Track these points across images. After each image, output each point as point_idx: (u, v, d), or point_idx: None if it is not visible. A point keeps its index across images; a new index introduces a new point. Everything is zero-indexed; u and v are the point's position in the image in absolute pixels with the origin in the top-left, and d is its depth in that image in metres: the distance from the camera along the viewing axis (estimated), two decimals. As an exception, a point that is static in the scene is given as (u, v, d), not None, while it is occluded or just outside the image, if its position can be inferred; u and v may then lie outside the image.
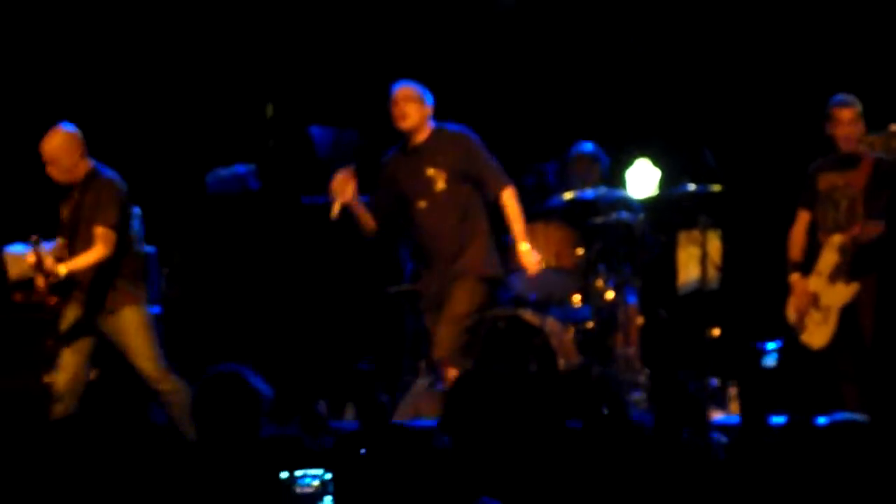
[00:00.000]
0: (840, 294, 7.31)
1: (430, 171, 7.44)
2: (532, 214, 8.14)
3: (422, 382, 7.84)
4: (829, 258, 7.36)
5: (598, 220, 8.14)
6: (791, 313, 7.42)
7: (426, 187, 7.45)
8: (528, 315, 7.86)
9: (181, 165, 8.71)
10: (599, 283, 8.06)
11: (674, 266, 8.41)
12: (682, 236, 8.34)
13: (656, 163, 8.40)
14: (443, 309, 7.46)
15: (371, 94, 8.16)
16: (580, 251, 8.02)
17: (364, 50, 9.18)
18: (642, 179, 8.40)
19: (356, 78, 9.03)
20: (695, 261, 8.11)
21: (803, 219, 7.55)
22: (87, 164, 7.02)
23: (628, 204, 8.23)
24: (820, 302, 7.36)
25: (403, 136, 7.48)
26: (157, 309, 7.70)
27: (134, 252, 7.09)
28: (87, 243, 6.86)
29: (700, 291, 8.07)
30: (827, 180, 7.47)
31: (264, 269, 8.40)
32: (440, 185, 7.44)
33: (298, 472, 4.14)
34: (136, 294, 7.01)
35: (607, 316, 8.08)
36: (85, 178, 6.97)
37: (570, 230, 8.05)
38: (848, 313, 7.29)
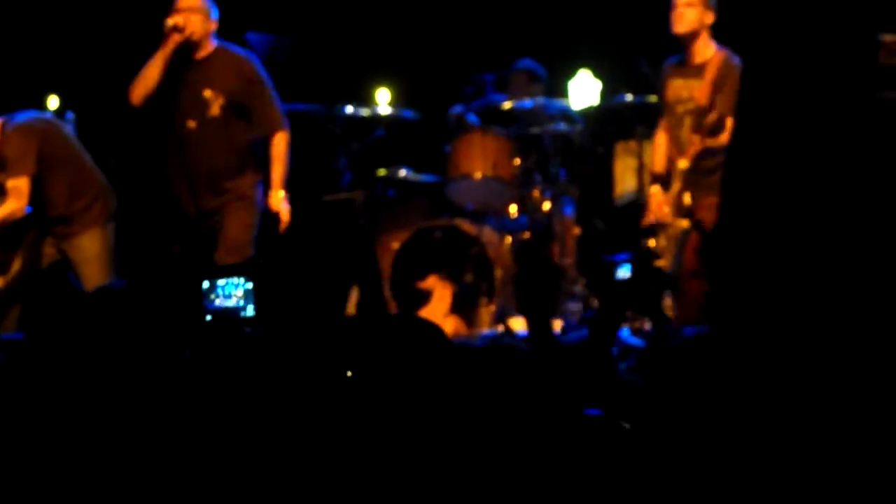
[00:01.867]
0: (680, 226, 6.91)
1: (207, 93, 6.88)
2: (470, 125, 8.15)
3: None
4: (674, 186, 6.95)
5: (535, 130, 8.13)
6: (645, 224, 7.08)
7: (199, 108, 6.90)
8: (466, 225, 7.88)
9: (116, 69, 8.60)
10: (536, 193, 8.06)
11: (611, 177, 8.41)
12: (620, 147, 8.32)
13: (597, 74, 8.37)
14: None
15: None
16: (517, 161, 8.02)
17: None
18: (584, 91, 8.37)
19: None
20: (632, 171, 8.13)
21: (663, 125, 7.12)
22: None
23: (567, 115, 8.22)
24: (668, 228, 6.98)
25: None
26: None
27: (80, 172, 6.94)
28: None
29: (636, 202, 8.09)
30: (672, 89, 7.03)
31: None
32: (215, 109, 6.90)
33: (220, 281, 4.03)
34: (90, 217, 6.89)
35: (544, 226, 8.10)
36: None
37: (507, 140, 8.04)
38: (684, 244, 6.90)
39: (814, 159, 7.14)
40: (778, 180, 6.76)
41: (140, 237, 7.99)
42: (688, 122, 6.92)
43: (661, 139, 7.13)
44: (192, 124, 6.88)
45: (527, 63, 8.57)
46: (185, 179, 6.95)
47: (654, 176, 7.09)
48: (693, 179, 6.83)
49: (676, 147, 6.98)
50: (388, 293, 7.91)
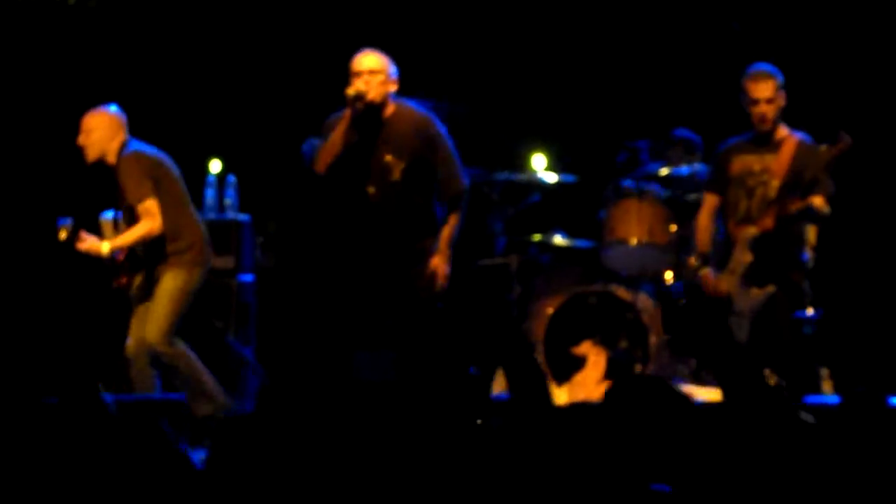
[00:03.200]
0: (754, 298, 6.76)
1: (388, 158, 6.89)
2: (626, 191, 8.13)
3: None
4: (740, 256, 6.80)
5: (692, 196, 8.08)
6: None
7: (380, 174, 6.90)
8: (621, 291, 7.85)
9: (278, 134, 8.76)
10: (692, 260, 8.00)
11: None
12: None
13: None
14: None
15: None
16: (673, 227, 7.97)
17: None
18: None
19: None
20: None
21: (711, 203, 7.04)
22: (119, 143, 7.04)
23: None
24: (734, 306, 6.82)
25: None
26: (250, 277, 7.77)
27: (183, 213, 7.06)
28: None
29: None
30: (741, 162, 6.90)
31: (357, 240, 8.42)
32: (395, 174, 6.89)
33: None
34: (182, 260, 7.00)
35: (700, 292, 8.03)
36: (117, 159, 6.99)
37: (663, 206, 8.01)
38: (761, 319, 6.75)
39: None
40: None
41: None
42: (759, 192, 6.80)
43: (705, 220, 7.06)
44: (372, 190, 6.88)
45: (684, 133, 8.53)
46: (369, 245, 6.98)
47: (704, 256, 6.99)
48: (766, 250, 6.72)
49: (742, 219, 6.85)
50: (541, 359, 7.89)
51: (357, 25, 8.58)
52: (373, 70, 6.75)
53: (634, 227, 7.94)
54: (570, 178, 8.43)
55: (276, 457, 3.74)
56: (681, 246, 7.99)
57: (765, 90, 6.79)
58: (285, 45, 8.97)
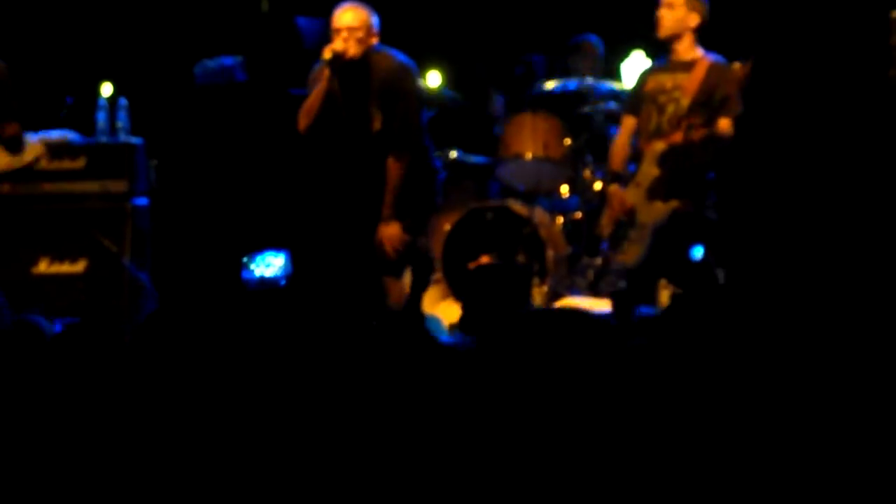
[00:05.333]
0: (657, 211, 6.78)
1: (370, 108, 6.89)
2: (519, 104, 8.16)
3: None
4: (647, 169, 6.82)
5: (586, 109, 8.12)
6: (605, 226, 6.96)
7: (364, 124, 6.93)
8: (517, 205, 7.88)
9: (169, 57, 8.67)
10: (587, 173, 8.05)
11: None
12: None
13: (651, 55, 8.33)
14: None
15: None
16: (568, 141, 8.01)
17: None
18: (637, 71, 8.34)
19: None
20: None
21: (628, 125, 7.03)
22: None
23: (618, 95, 8.19)
24: (636, 218, 6.82)
25: None
26: (144, 200, 7.71)
27: None
28: None
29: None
30: (655, 81, 6.93)
31: (250, 161, 8.39)
32: (376, 124, 6.91)
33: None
34: None
35: (596, 206, 8.08)
36: None
37: (558, 120, 8.03)
38: (662, 232, 6.78)
39: (825, 143, 7.12)
40: (790, 164, 6.74)
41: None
42: (670, 109, 6.83)
43: (623, 138, 7.05)
44: (353, 140, 6.90)
45: (588, 37, 8.53)
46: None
47: (614, 174, 7.01)
48: (672, 165, 6.76)
49: (652, 134, 6.87)
50: (440, 275, 7.93)
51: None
52: (351, 27, 6.73)
53: (529, 141, 7.97)
54: (460, 94, 8.41)
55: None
56: (576, 159, 8.04)
57: None
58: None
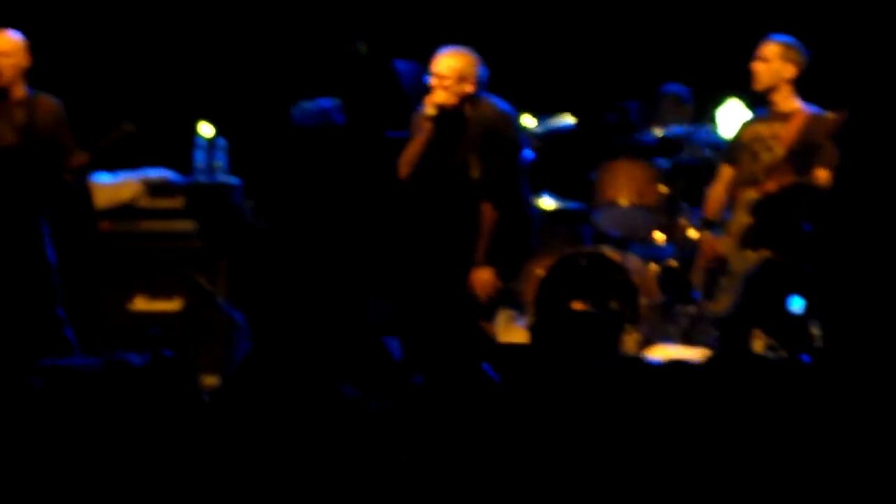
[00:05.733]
0: (748, 260, 6.76)
1: (468, 156, 6.96)
2: (616, 151, 8.14)
3: None
4: (740, 218, 6.82)
5: (683, 156, 8.09)
6: (696, 275, 7.01)
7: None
8: (610, 252, 7.86)
9: (268, 98, 8.76)
10: (682, 221, 8.01)
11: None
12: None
13: (747, 103, 8.30)
14: None
15: (455, 30, 8.18)
16: (663, 188, 7.98)
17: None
18: (732, 119, 8.31)
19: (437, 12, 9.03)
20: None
21: (724, 174, 7.04)
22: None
23: (714, 142, 8.16)
24: (728, 266, 6.82)
25: None
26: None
27: None
28: None
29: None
30: (752, 131, 6.97)
31: (348, 204, 8.44)
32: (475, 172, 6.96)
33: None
34: None
35: (690, 254, 8.04)
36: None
37: (653, 167, 8.01)
38: (754, 282, 6.74)
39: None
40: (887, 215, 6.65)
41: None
42: (765, 158, 6.85)
43: (719, 187, 7.07)
44: (451, 187, 6.98)
45: (673, 87, 8.54)
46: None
47: (708, 222, 7.04)
48: (765, 214, 6.74)
49: (746, 182, 6.88)
50: (533, 321, 7.91)
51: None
52: (442, 75, 6.80)
53: (624, 188, 7.95)
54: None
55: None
56: (671, 207, 8.00)
57: (765, 50, 6.90)
58: (276, 5, 8.96)
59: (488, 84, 6.95)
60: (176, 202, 7.74)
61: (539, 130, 8.18)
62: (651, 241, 8.09)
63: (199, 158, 7.84)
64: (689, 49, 9.04)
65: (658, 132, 8.21)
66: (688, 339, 7.69)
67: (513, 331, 7.69)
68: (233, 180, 7.84)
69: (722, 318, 6.85)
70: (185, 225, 7.71)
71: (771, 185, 6.74)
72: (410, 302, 7.06)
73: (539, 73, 8.99)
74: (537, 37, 9.03)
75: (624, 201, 7.96)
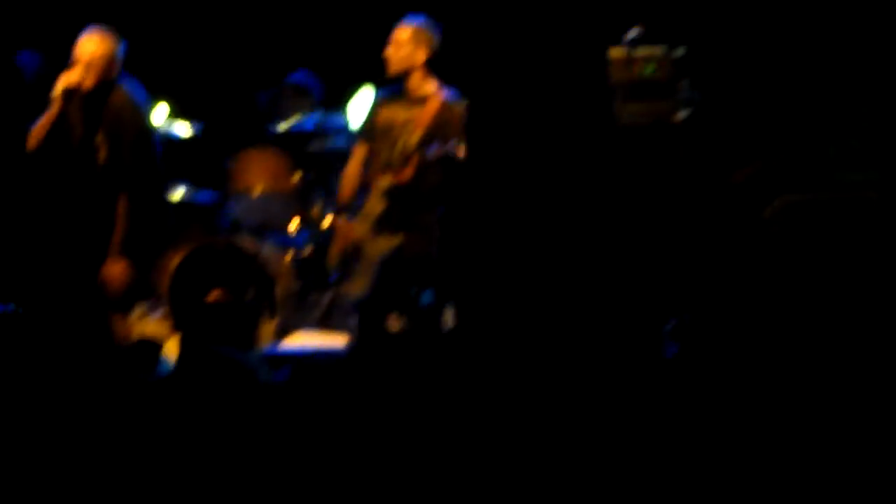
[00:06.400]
0: (381, 246, 6.98)
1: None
2: (248, 140, 8.13)
3: None
4: (374, 203, 7.00)
5: (315, 145, 8.14)
6: (333, 258, 7.18)
7: None
8: (244, 240, 7.83)
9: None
10: (316, 209, 8.06)
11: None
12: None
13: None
14: None
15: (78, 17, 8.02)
16: (297, 177, 8.01)
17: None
18: (365, 107, 8.40)
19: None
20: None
21: (358, 154, 7.23)
22: None
23: (347, 131, 8.24)
24: (362, 251, 7.04)
25: None
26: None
27: None
28: None
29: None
30: (387, 114, 7.12)
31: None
32: None
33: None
34: None
35: (325, 241, 8.09)
36: None
37: (286, 156, 8.03)
38: (388, 266, 6.98)
39: (549, 180, 7.31)
40: (517, 202, 6.91)
41: None
42: (401, 143, 6.98)
43: (353, 167, 7.22)
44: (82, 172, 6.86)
45: (296, 77, 8.57)
46: None
47: (342, 206, 7.18)
48: (399, 199, 6.89)
49: (382, 167, 7.03)
50: (168, 311, 7.81)
51: None
52: (92, 56, 6.79)
53: (258, 176, 7.95)
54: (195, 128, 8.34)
55: None
56: (305, 195, 8.04)
57: (400, 33, 7.02)
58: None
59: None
60: None
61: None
62: (286, 230, 8.10)
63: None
64: (319, 38, 9.11)
65: (285, 123, 8.23)
66: (325, 325, 7.75)
67: (148, 323, 7.57)
68: None
69: (358, 301, 6.87)
70: None
71: (407, 172, 6.87)
72: (42, 292, 6.90)
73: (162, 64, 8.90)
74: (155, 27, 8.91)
75: (258, 190, 7.95)
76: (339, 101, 8.53)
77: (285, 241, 8.08)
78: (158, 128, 8.10)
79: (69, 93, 6.68)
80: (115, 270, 6.81)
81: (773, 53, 7.73)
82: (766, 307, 6.61)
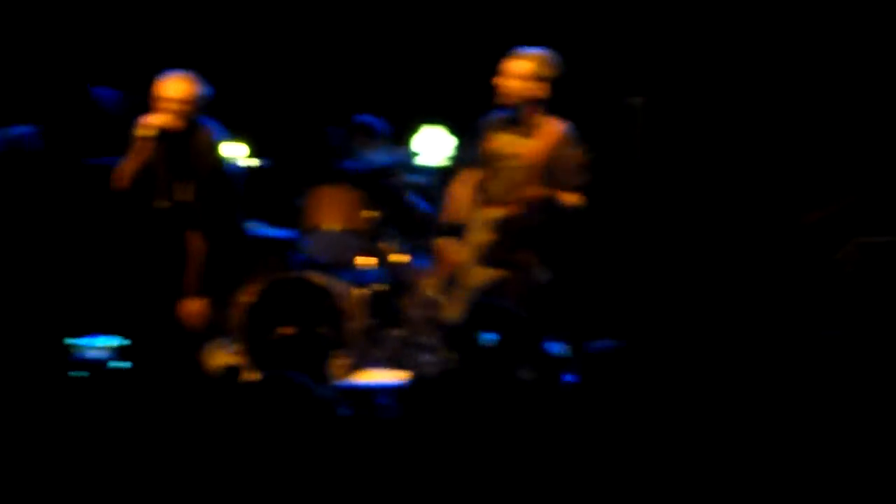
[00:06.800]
0: (482, 276, 6.96)
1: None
2: (320, 177, 8.17)
3: None
4: (480, 233, 6.98)
5: (389, 182, 8.18)
6: (430, 284, 7.20)
7: None
8: (315, 276, 7.88)
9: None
10: (387, 245, 8.10)
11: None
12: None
13: (451, 130, 8.43)
14: None
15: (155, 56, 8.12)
16: (371, 213, 8.04)
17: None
18: (432, 146, 8.45)
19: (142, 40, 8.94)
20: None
21: (466, 178, 7.14)
22: None
23: (420, 168, 8.28)
24: (462, 278, 7.03)
25: None
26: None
27: None
28: None
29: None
30: (498, 144, 7.05)
31: (44, 230, 8.22)
32: None
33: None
34: None
35: (398, 278, 8.13)
36: None
37: (359, 192, 8.06)
38: (486, 297, 6.88)
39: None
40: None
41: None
42: (506, 176, 6.95)
43: (461, 190, 7.12)
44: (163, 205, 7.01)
45: (363, 119, 8.64)
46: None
47: (448, 227, 7.11)
48: (508, 231, 6.88)
49: (488, 197, 7.00)
50: (241, 347, 7.86)
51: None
52: (176, 99, 6.88)
53: (330, 213, 7.98)
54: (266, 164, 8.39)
55: None
56: (376, 232, 8.07)
57: (516, 67, 6.89)
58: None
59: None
60: None
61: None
62: (358, 266, 8.13)
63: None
64: (383, 80, 9.18)
65: (358, 159, 8.28)
66: (395, 363, 7.78)
67: (221, 357, 7.63)
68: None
69: (451, 326, 6.89)
70: None
71: (515, 205, 6.85)
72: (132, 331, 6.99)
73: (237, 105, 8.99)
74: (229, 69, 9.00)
75: (330, 226, 7.99)
76: (406, 138, 8.59)
77: (357, 278, 8.11)
78: (236, 166, 8.19)
79: (155, 135, 6.79)
80: (194, 307, 6.90)
81: (847, 96, 7.73)
82: (838, 346, 6.59)
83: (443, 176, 8.21)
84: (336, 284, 7.91)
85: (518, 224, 6.83)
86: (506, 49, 7.09)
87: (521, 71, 6.90)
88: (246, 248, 7.30)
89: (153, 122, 6.86)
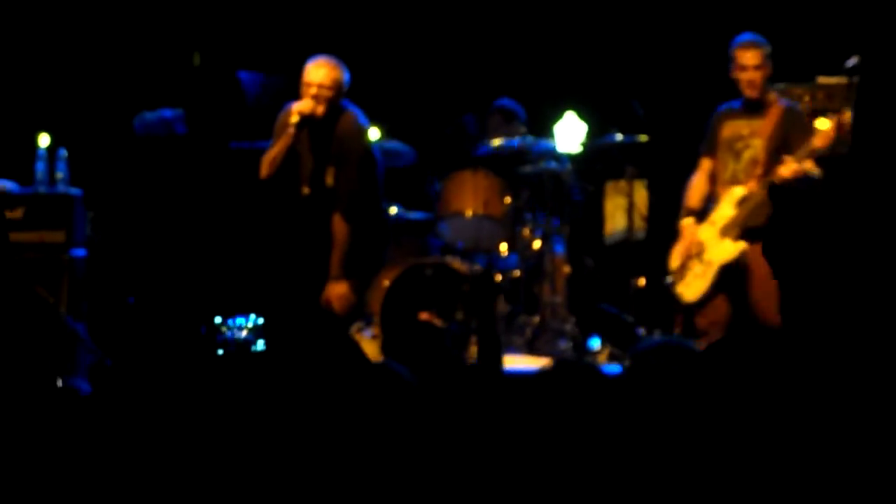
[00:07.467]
0: (725, 250, 7.13)
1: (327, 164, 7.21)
2: (458, 163, 8.19)
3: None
4: (724, 210, 7.15)
5: (526, 168, 8.18)
6: (674, 259, 7.28)
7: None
8: (456, 262, 7.90)
9: (108, 108, 8.64)
10: (526, 231, 8.10)
11: (601, 216, 8.50)
12: (609, 186, 8.44)
13: (583, 115, 8.41)
14: None
15: (296, 40, 8.22)
16: (508, 200, 8.04)
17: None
18: (570, 133, 8.41)
19: (283, 24, 9.02)
20: (621, 211, 8.22)
21: (705, 167, 7.33)
22: None
23: (556, 154, 8.27)
24: (704, 254, 7.18)
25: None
26: (82, 252, 7.64)
27: None
28: None
29: (626, 241, 8.18)
30: (731, 128, 7.25)
31: (190, 214, 8.36)
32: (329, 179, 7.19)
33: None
34: None
35: (534, 265, 8.13)
36: None
37: (497, 179, 8.07)
38: (727, 273, 7.11)
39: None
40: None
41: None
42: (747, 155, 7.13)
43: (700, 179, 7.33)
44: (306, 191, 7.14)
45: (503, 102, 8.63)
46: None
47: (689, 210, 7.29)
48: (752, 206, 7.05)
49: (727, 180, 7.17)
50: (378, 331, 7.92)
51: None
52: (323, 84, 6.94)
53: (470, 199, 8.00)
54: (407, 147, 8.43)
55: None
56: (515, 218, 8.08)
57: (753, 58, 7.13)
58: (112, 15, 8.85)
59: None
60: (16, 213, 7.56)
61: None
62: (496, 253, 8.15)
63: (40, 169, 7.68)
64: (522, 65, 9.16)
65: (495, 144, 8.28)
66: (532, 350, 7.79)
67: (359, 341, 7.69)
68: (74, 191, 7.68)
69: (689, 303, 7.16)
70: (26, 236, 7.52)
71: (755, 183, 7.03)
72: (275, 313, 7.11)
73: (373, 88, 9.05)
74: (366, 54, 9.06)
75: (469, 212, 8.01)
76: (545, 125, 8.57)
77: (495, 264, 8.13)
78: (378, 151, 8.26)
79: (303, 122, 6.87)
80: (338, 291, 6.99)
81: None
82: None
83: (579, 163, 8.21)
84: (474, 270, 7.92)
85: (759, 198, 6.99)
86: (641, 34, 7.19)
87: (759, 60, 7.13)
88: (387, 232, 7.35)
89: (303, 108, 6.93)
